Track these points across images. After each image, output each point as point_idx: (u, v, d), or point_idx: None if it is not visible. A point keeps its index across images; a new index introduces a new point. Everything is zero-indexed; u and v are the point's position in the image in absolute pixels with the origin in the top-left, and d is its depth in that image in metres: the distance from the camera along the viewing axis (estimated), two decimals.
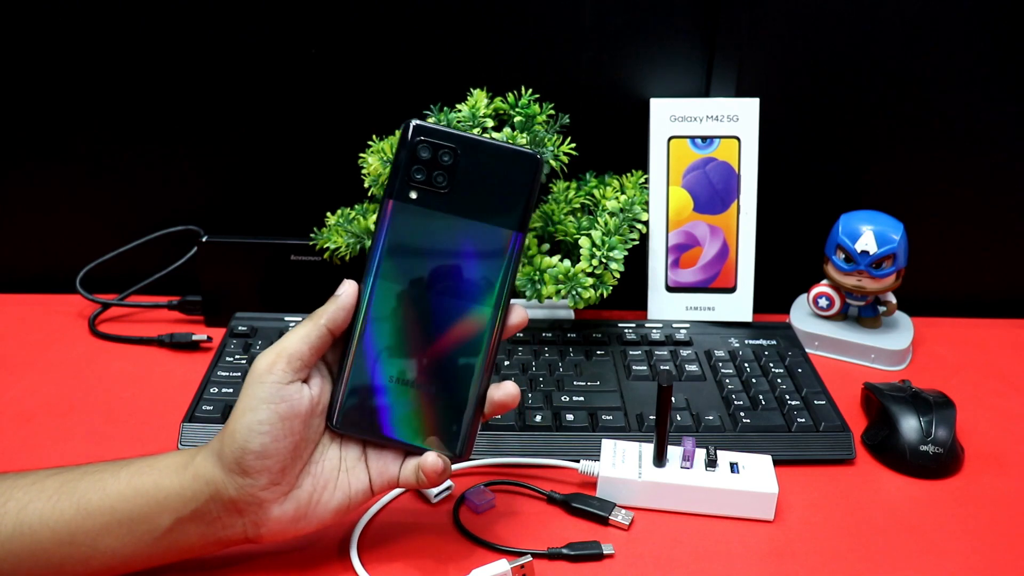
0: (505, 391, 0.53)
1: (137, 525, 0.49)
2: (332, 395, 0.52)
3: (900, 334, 0.83)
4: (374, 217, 0.76)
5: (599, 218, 0.75)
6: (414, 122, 0.51)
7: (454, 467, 0.59)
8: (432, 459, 0.51)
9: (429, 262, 0.51)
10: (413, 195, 0.51)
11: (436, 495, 0.61)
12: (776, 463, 0.63)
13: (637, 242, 0.75)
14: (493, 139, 0.52)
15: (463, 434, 0.52)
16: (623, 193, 0.77)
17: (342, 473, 0.52)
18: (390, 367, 0.52)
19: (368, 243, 0.76)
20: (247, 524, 0.50)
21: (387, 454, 0.53)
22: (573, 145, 0.76)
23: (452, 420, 0.52)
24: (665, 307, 0.83)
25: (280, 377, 0.49)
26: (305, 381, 0.50)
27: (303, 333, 0.50)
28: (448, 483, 0.62)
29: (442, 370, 0.52)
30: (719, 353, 0.77)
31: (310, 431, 0.51)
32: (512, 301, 0.52)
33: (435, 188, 0.51)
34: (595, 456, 0.63)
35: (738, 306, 0.82)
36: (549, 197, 0.79)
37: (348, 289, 0.51)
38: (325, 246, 0.77)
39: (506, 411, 0.53)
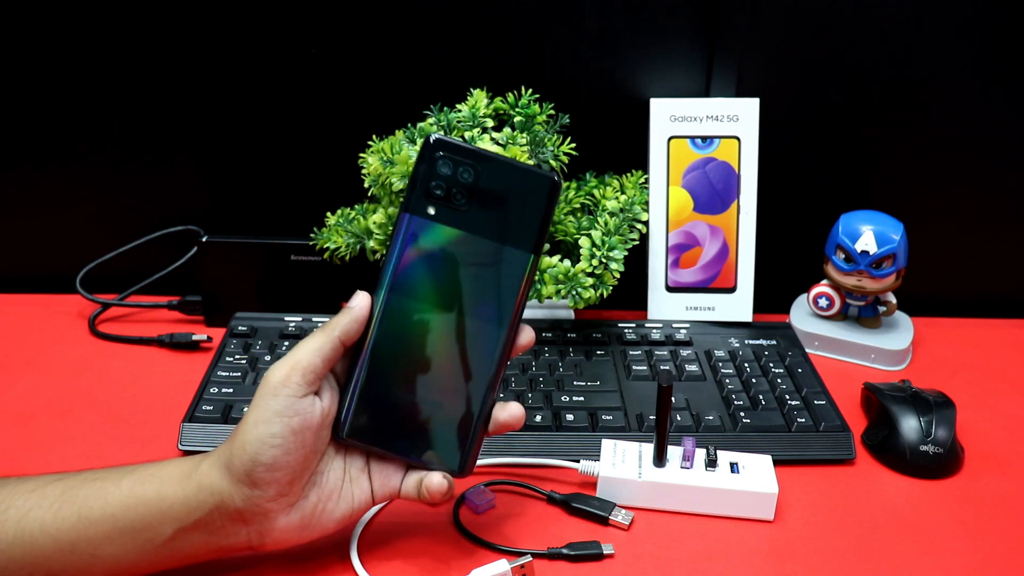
0: (510, 412, 0.53)
1: (139, 534, 0.49)
2: (339, 405, 0.52)
3: (900, 334, 0.83)
4: (374, 217, 0.76)
5: (599, 218, 0.75)
6: (435, 136, 0.50)
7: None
8: (438, 480, 0.51)
9: (442, 278, 0.51)
10: (431, 211, 0.51)
11: None
12: (776, 463, 0.63)
13: (637, 242, 0.75)
14: (512, 158, 0.52)
15: (466, 451, 0.52)
16: (623, 193, 0.77)
17: (346, 483, 0.52)
18: (398, 381, 0.52)
19: (368, 243, 0.76)
20: (251, 533, 0.50)
21: (389, 466, 0.53)
22: (573, 145, 0.75)
23: (456, 437, 0.52)
24: (665, 307, 0.83)
25: (295, 390, 0.49)
26: (316, 393, 0.50)
27: (316, 345, 0.50)
28: None
29: (449, 386, 0.52)
30: (719, 353, 0.77)
31: (319, 443, 0.51)
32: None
33: (454, 205, 0.51)
34: (595, 456, 0.63)
35: (738, 306, 0.82)
36: None
37: (362, 301, 0.51)
38: (325, 246, 0.77)
39: (510, 431, 0.54)
